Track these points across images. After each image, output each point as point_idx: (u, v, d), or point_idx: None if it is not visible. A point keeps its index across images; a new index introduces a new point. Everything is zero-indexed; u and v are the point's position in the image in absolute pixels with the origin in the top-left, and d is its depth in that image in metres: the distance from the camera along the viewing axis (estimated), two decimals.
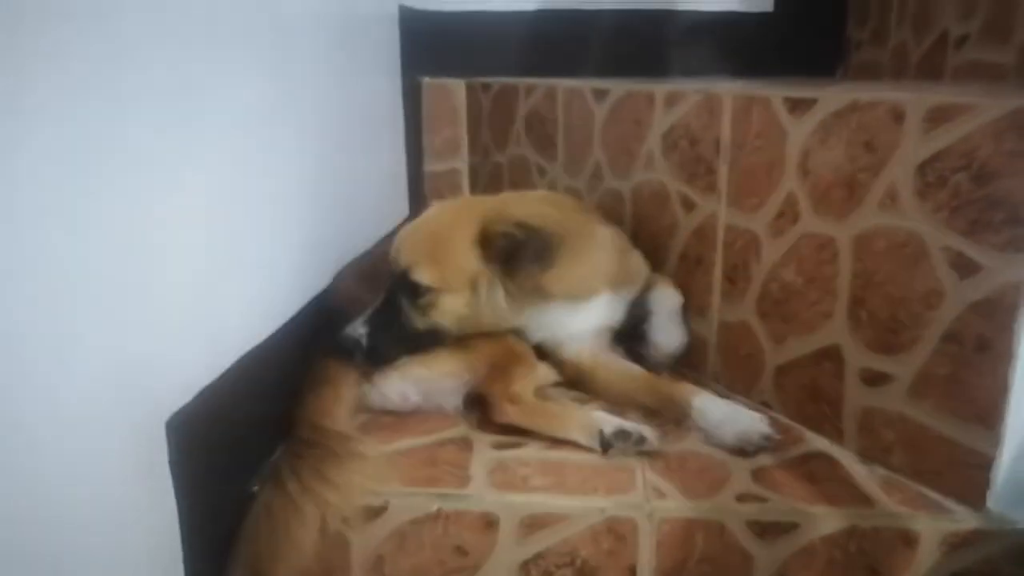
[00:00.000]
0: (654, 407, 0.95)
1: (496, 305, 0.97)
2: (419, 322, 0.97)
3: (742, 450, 0.87)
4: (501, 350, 0.99)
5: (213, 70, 0.77)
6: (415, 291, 0.96)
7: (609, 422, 0.88)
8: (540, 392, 0.98)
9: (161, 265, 0.67)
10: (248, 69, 0.86)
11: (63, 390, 0.56)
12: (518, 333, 1.01)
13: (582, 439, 0.88)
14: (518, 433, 0.92)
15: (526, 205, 1.05)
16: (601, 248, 1.05)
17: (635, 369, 1.01)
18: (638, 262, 1.09)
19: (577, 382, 1.02)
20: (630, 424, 0.88)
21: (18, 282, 0.51)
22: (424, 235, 1.00)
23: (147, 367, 0.66)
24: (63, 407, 0.56)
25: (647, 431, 0.87)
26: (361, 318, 0.96)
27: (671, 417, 0.93)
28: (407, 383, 0.98)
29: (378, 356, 0.96)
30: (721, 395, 0.97)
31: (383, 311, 0.97)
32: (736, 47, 1.68)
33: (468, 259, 0.96)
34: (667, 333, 1.06)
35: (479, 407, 0.96)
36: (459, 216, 1.01)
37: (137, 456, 0.65)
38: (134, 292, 0.63)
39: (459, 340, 0.99)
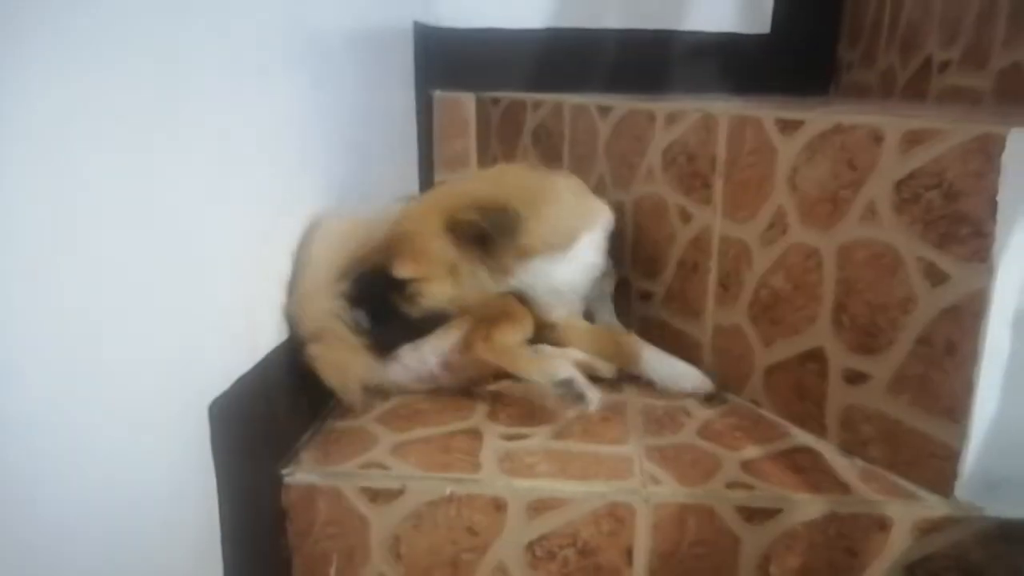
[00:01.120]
0: (613, 359, 1.11)
1: (482, 282, 1.04)
2: (413, 311, 1.03)
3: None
4: (495, 306, 1.05)
5: (263, 88, 0.85)
6: (400, 285, 1.02)
7: (565, 370, 0.96)
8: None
9: (206, 263, 0.74)
10: (288, 84, 0.93)
11: (120, 377, 0.62)
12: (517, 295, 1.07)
13: (540, 379, 0.96)
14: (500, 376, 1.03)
15: (485, 184, 1.12)
16: (565, 196, 1.12)
17: (598, 328, 1.17)
18: (600, 203, 1.17)
19: (554, 340, 1.11)
20: (580, 381, 0.95)
21: (80, 278, 0.57)
22: (398, 233, 1.05)
23: (192, 356, 0.72)
24: (120, 392, 0.62)
25: (592, 393, 0.95)
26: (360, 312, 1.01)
27: (627, 367, 1.11)
28: (423, 350, 1.04)
29: (386, 346, 1.02)
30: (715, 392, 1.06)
31: (380, 306, 1.02)
32: (735, 66, 1.74)
33: (443, 249, 1.03)
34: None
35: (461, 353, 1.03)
36: (427, 209, 1.07)
37: (184, 437, 0.72)
38: (182, 288, 0.70)
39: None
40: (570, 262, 1.09)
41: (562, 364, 0.98)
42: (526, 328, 1.05)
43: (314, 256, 0.97)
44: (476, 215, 1.01)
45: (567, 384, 0.95)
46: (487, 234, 1.02)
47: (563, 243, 1.08)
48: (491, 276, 1.04)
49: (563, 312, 1.11)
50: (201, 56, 0.72)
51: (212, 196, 0.75)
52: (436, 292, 1.03)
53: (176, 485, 0.71)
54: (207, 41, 0.73)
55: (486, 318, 1.02)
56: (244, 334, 0.83)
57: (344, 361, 0.98)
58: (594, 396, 0.95)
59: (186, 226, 0.70)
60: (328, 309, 0.96)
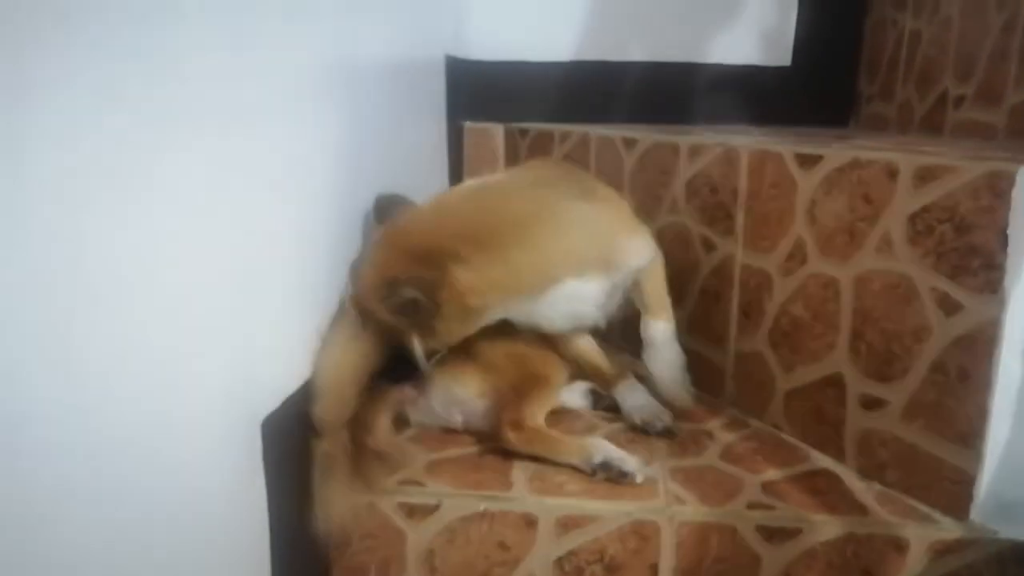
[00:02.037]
0: (597, 382, 1.13)
1: (442, 330, 0.96)
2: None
3: (644, 430, 1.05)
4: (524, 373, 1.03)
5: (308, 120, 0.91)
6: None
7: (600, 451, 0.94)
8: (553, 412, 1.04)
9: (262, 291, 0.80)
10: (330, 116, 0.99)
11: (184, 395, 0.67)
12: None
13: (578, 463, 0.95)
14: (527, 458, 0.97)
15: (456, 213, 0.99)
16: (553, 232, 0.97)
17: (590, 352, 1.12)
18: (624, 243, 1.04)
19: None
20: (617, 458, 0.93)
21: (161, 306, 0.63)
22: (350, 305, 1.00)
23: (248, 377, 0.78)
24: (183, 410, 0.67)
25: (631, 464, 0.93)
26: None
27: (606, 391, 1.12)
28: (452, 405, 1.05)
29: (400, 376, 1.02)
30: (736, 419, 1.09)
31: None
32: (756, 98, 1.79)
33: (387, 319, 0.95)
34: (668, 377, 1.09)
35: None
36: (368, 276, 0.97)
37: (239, 452, 0.77)
38: (240, 315, 0.76)
39: (488, 352, 1.04)
40: (547, 305, 1.00)
41: (596, 444, 0.96)
42: (555, 391, 1.05)
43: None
44: (406, 286, 0.92)
45: (606, 466, 0.93)
46: (404, 313, 0.94)
47: (531, 289, 0.98)
48: (442, 324, 0.95)
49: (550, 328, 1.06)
50: (260, 86, 0.78)
51: (265, 231, 0.80)
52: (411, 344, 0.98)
53: (231, 495, 0.76)
54: (266, 72, 0.80)
55: (514, 388, 1.01)
56: (292, 357, 0.88)
57: (334, 489, 0.90)
58: (637, 468, 0.93)
59: (245, 259, 0.76)
60: (346, 402, 0.94)
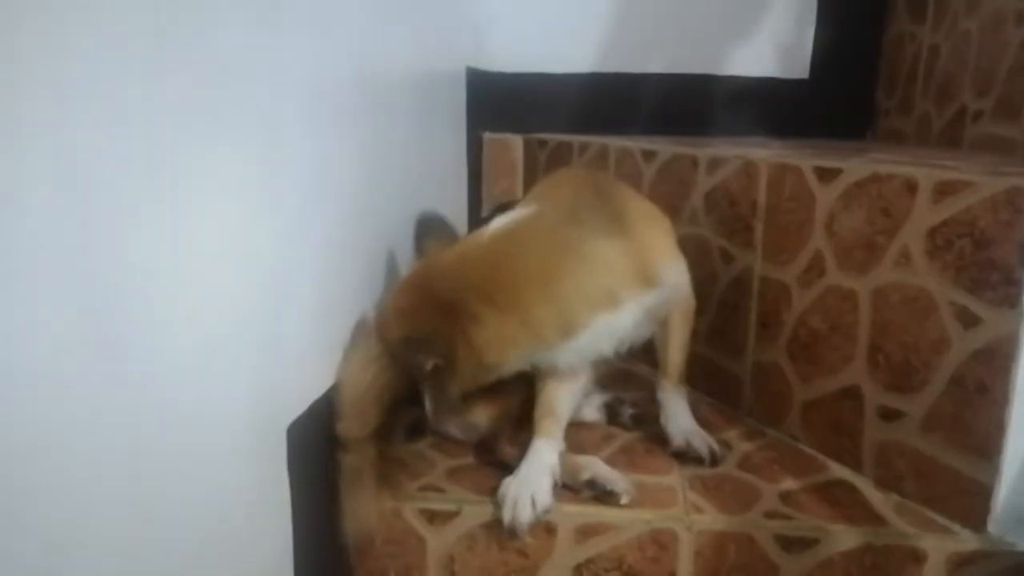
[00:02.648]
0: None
1: (455, 387, 0.96)
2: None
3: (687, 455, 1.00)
4: (531, 394, 1.02)
5: (337, 131, 0.94)
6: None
7: (588, 469, 0.94)
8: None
9: (288, 300, 0.82)
10: (358, 126, 1.01)
11: (213, 400, 0.69)
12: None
13: (567, 480, 0.94)
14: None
15: (448, 278, 0.94)
16: (575, 280, 0.92)
17: (552, 396, 1.01)
18: (661, 257, 0.99)
19: None
20: (605, 477, 0.93)
21: (178, 307, 0.64)
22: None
23: (275, 384, 0.80)
24: (213, 415, 0.69)
25: (620, 485, 0.91)
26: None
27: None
28: (468, 430, 1.05)
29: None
30: (754, 429, 1.10)
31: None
32: (774, 110, 1.80)
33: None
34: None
35: (487, 446, 1.03)
36: (393, 310, 0.98)
37: (265, 457, 0.79)
38: (267, 321, 0.78)
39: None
40: (572, 351, 0.96)
41: (587, 462, 0.96)
42: (558, 418, 1.00)
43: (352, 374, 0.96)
44: (421, 350, 0.92)
45: (592, 484, 0.93)
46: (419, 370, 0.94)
47: (555, 340, 0.93)
48: (465, 381, 0.95)
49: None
50: (295, 95, 0.81)
51: (293, 240, 0.83)
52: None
53: (256, 498, 0.78)
54: (301, 84, 0.83)
55: (522, 405, 1.02)
56: (316, 366, 0.90)
57: (361, 498, 0.92)
58: (624, 489, 0.92)
59: (272, 268, 0.78)
60: (369, 420, 0.95)
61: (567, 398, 1.02)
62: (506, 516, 0.89)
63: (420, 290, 0.95)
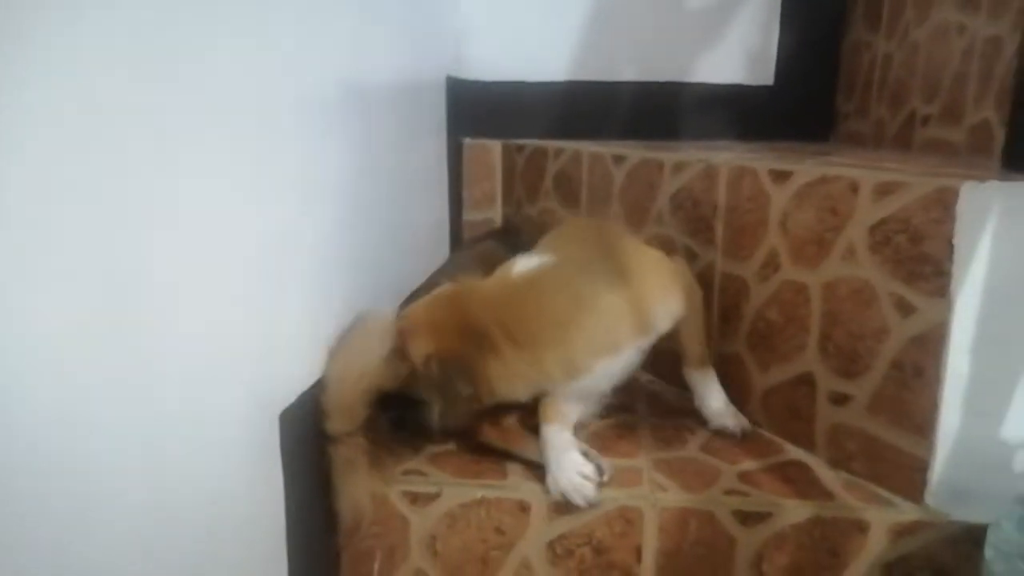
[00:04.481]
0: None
1: (465, 408, 1.03)
2: None
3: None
4: None
5: (326, 135, 1.00)
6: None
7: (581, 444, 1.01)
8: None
9: (281, 292, 0.88)
10: (345, 131, 1.08)
11: (210, 388, 0.74)
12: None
13: (539, 459, 1.00)
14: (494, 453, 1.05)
15: (483, 306, 1.02)
16: (582, 331, 1.01)
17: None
18: (660, 306, 1.07)
19: None
20: (594, 453, 1.00)
21: (179, 300, 0.69)
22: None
23: (268, 371, 0.85)
24: (210, 402, 0.74)
25: (605, 463, 0.99)
26: None
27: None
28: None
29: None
30: None
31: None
32: (741, 115, 1.88)
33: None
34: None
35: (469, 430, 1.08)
36: (423, 318, 1.04)
37: (259, 443, 0.84)
38: (261, 312, 0.83)
39: None
40: (572, 389, 1.05)
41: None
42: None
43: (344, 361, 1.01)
44: (445, 371, 0.99)
45: (586, 454, 0.99)
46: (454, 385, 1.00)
47: (561, 381, 1.03)
48: (473, 405, 1.03)
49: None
50: (287, 98, 0.87)
51: (288, 235, 0.89)
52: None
53: (250, 482, 0.83)
54: (294, 86, 0.89)
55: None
56: (308, 352, 0.96)
57: (355, 484, 0.98)
58: (609, 465, 0.99)
59: (266, 261, 0.84)
60: (355, 417, 0.99)
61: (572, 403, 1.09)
62: (578, 502, 0.95)
63: (455, 311, 1.03)
